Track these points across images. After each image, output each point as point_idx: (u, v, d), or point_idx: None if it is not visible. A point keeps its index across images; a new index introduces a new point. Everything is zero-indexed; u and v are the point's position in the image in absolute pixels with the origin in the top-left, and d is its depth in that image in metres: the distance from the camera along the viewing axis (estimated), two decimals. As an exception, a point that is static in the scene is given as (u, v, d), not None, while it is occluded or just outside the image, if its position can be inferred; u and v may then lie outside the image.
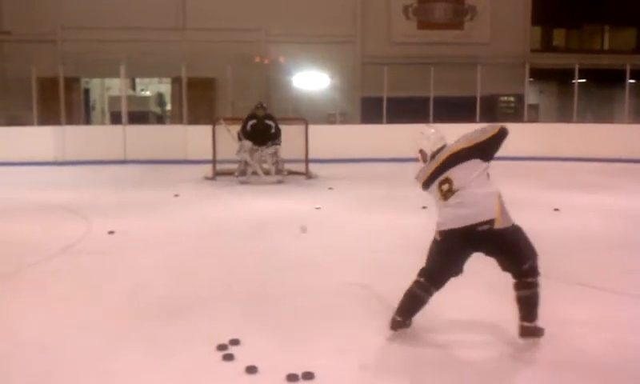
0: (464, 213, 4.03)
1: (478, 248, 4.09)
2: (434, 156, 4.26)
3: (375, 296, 5.16)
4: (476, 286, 4.77)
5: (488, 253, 4.12)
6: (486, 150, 4.17)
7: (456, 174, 4.12)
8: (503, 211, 4.05)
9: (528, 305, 4.08)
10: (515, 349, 4.11)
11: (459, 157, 4.15)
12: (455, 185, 4.10)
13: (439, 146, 4.29)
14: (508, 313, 4.20)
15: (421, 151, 4.32)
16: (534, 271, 4.08)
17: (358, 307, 4.91)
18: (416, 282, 4.19)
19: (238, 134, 12.58)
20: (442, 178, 4.15)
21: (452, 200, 4.09)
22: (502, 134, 4.20)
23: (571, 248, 6.92)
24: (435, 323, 4.43)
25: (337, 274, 5.92)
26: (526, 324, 4.08)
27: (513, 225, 4.08)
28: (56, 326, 4.58)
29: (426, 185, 4.27)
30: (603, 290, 5.40)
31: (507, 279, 4.14)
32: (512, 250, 4.07)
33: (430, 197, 4.33)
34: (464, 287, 4.39)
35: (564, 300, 4.99)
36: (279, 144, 12.63)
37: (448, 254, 4.15)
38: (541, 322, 4.12)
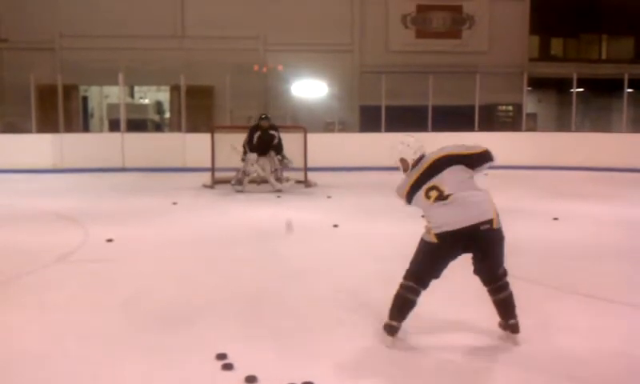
0: (466, 213, 4.03)
1: (470, 248, 4.12)
2: (414, 165, 4.30)
3: (375, 305, 5.14)
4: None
5: (476, 253, 4.15)
6: (470, 162, 4.22)
7: (445, 178, 4.13)
8: (497, 212, 4.12)
9: (511, 303, 4.23)
10: (511, 357, 4.11)
11: (445, 161, 4.19)
12: (447, 190, 4.10)
13: (419, 154, 4.31)
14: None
15: (402, 160, 4.34)
16: (506, 273, 4.24)
17: (357, 316, 4.89)
18: (405, 287, 4.20)
19: (244, 146, 12.52)
20: (428, 185, 4.16)
21: (448, 202, 4.07)
22: (487, 155, 4.27)
23: (570, 257, 6.91)
24: (431, 330, 4.43)
25: (336, 283, 5.91)
26: (514, 320, 4.22)
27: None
28: (54, 335, 4.56)
29: (410, 194, 4.26)
30: (602, 300, 5.39)
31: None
32: (498, 251, 4.17)
33: (415, 207, 4.32)
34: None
35: (562, 309, 4.99)
36: (285, 156, 12.59)
37: (441, 256, 4.14)
38: (539, 330, 4.12)
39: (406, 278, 4.23)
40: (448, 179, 4.13)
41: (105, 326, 4.74)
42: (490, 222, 4.05)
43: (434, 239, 4.10)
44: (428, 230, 4.18)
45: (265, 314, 5.00)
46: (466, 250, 4.14)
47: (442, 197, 4.09)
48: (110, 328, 4.69)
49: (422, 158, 4.29)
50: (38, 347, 4.32)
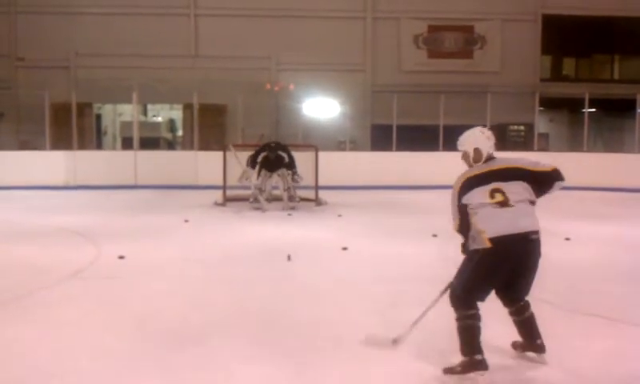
0: (522, 222, 3.96)
1: (519, 260, 3.98)
2: (487, 160, 4.17)
3: (385, 324, 5.13)
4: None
5: (521, 269, 4.02)
6: (540, 183, 4.11)
7: (510, 188, 4.01)
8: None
9: (535, 322, 4.19)
10: (524, 379, 4.08)
11: (519, 174, 4.08)
12: (511, 199, 3.98)
13: (492, 151, 4.21)
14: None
15: (477, 149, 4.18)
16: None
17: (368, 336, 4.88)
18: (464, 317, 3.98)
19: (247, 160, 12.65)
20: (495, 185, 4.01)
21: (508, 209, 3.94)
22: (555, 175, 4.14)
23: (582, 278, 6.87)
24: (449, 350, 4.41)
25: (346, 303, 5.90)
26: (541, 340, 4.16)
27: None
28: (66, 351, 4.57)
29: (470, 184, 4.04)
30: (615, 321, 5.35)
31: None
32: (536, 269, 4.08)
33: (467, 200, 4.03)
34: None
35: (576, 331, 4.95)
36: (296, 172, 12.61)
37: (494, 266, 3.96)
38: (553, 352, 4.11)
39: (458, 307, 4.00)
40: (515, 190, 4.01)
41: (116, 343, 4.75)
42: (538, 233, 4.01)
43: (487, 244, 3.89)
44: (477, 237, 3.96)
45: (275, 334, 4.99)
46: (515, 263, 3.97)
47: (505, 203, 3.95)
48: (121, 345, 4.70)
49: (492, 157, 4.18)
50: (50, 363, 4.33)
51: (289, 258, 7.15)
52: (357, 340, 4.79)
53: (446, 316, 4.22)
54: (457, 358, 4.02)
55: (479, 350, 3.92)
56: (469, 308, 3.97)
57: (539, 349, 4.16)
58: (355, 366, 4.28)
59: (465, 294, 3.98)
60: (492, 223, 3.92)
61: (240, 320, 5.33)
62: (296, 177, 12.58)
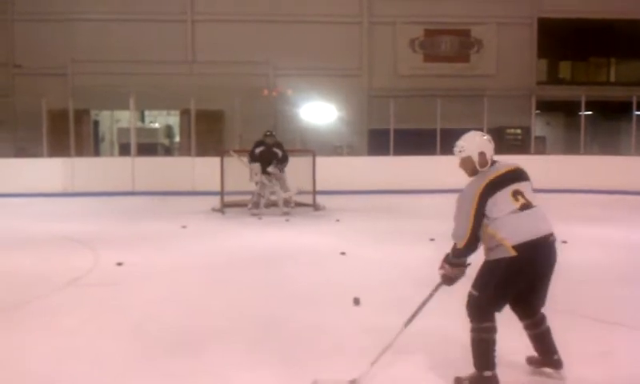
0: (542, 225, 3.87)
1: (542, 265, 3.89)
2: (492, 164, 4.01)
3: (383, 330, 5.13)
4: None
5: (543, 275, 3.91)
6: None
7: (526, 188, 3.94)
8: None
9: (551, 336, 4.04)
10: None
11: (526, 174, 4.03)
12: (529, 199, 3.90)
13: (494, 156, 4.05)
14: (516, 343, 4.19)
15: (482, 153, 3.98)
16: None
17: (365, 341, 4.88)
18: (481, 329, 3.84)
19: (248, 158, 12.74)
20: (514, 187, 3.88)
21: (529, 210, 3.84)
22: None
23: (579, 280, 6.88)
24: (441, 358, 4.42)
25: (345, 308, 5.90)
26: (558, 355, 4.04)
27: None
28: (64, 359, 4.58)
29: (497, 186, 3.85)
30: (614, 324, 5.37)
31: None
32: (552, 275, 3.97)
33: (490, 206, 3.85)
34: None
35: (574, 334, 4.95)
36: (283, 168, 12.70)
37: (518, 274, 3.81)
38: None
39: (477, 319, 3.85)
40: (528, 189, 3.95)
41: (114, 350, 4.76)
42: (554, 234, 3.91)
43: (511, 252, 3.75)
44: (497, 247, 3.81)
45: (273, 341, 5.00)
46: (538, 270, 3.88)
47: (527, 205, 3.84)
48: (118, 353, 4.70)
49: (495, 162, 4.02)
50: (48, 371, 4.34)
51: (356, 301, 6.09)
52: (357, 346, 4.80)
53: (453, 323, 4.24)
54: (463, 367, 4.02)
55: (491, 366, 3.80)
56: (486, 320, 3.83)
57: (556, 364, 4.03)
58: (356, 372, 4.28)
59: (488, 306, 3.84)
60: (514, 230, 3.77)
61: (238, 326, 5.34)
62: (280, 166, 12.62)
